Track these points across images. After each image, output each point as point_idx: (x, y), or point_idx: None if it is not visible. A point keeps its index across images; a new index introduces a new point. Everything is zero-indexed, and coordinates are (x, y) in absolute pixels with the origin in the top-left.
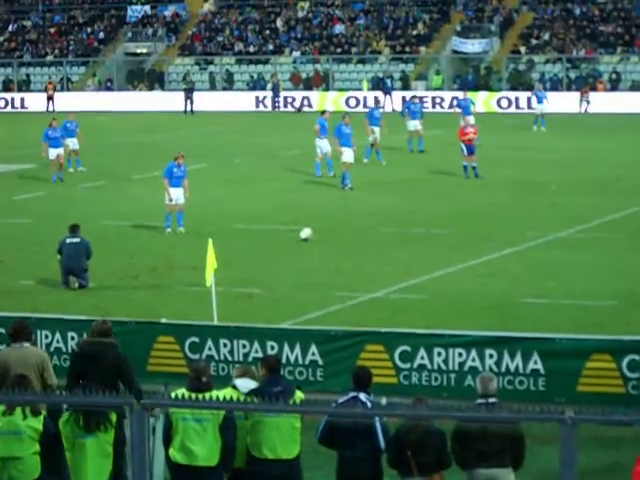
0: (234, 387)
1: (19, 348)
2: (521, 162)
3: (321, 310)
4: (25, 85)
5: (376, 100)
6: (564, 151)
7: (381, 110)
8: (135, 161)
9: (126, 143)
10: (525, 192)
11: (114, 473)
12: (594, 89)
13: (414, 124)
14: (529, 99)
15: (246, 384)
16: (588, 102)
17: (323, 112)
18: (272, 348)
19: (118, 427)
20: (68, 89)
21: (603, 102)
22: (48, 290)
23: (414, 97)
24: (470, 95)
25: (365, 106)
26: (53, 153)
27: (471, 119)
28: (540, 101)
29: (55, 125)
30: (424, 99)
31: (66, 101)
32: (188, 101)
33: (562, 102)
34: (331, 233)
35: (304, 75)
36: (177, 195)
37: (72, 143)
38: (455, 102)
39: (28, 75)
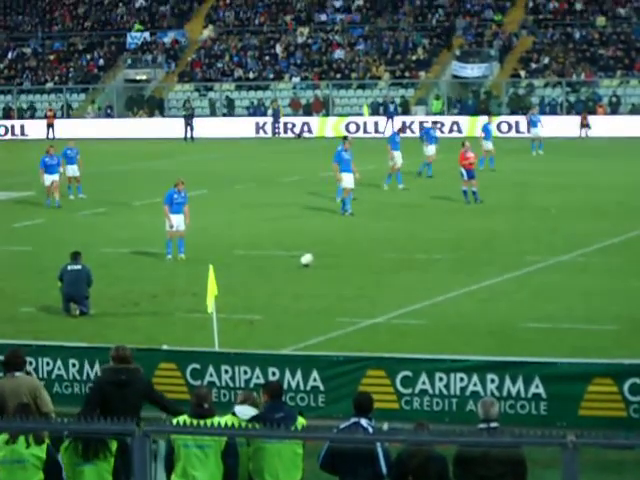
0: (234, 414)
1: (11, 378)
2: (521, 186)
3: (322, 336)
4: (30, 112)
5: (403, 125)
6: (564, 175)
7: (400, 135)
8: (135, 188)
9: (126, 170)
10: (525, 216)
11: None
12: (592, 112)
13: (431, 149)
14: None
15: (245, 411)
16: (589, 127)
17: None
18: (273, 374)
19: (125, 455)
20: (68, 116)
21: (603, 126)
22: (49, 317)
23: (434, 122)
24: (478, 120)
25: (365, 132)
26: (48, 179)
27: (489, 144)
28: (534, 125)
29: (52, 152)
30: (441, 124)
31: (66, 128)
32: (188, 127)
33: (562, 126)
34: (332, 259)
35: (304, 101)
36: (178, 222)
37: (72, 170)
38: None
39: (32, 103)
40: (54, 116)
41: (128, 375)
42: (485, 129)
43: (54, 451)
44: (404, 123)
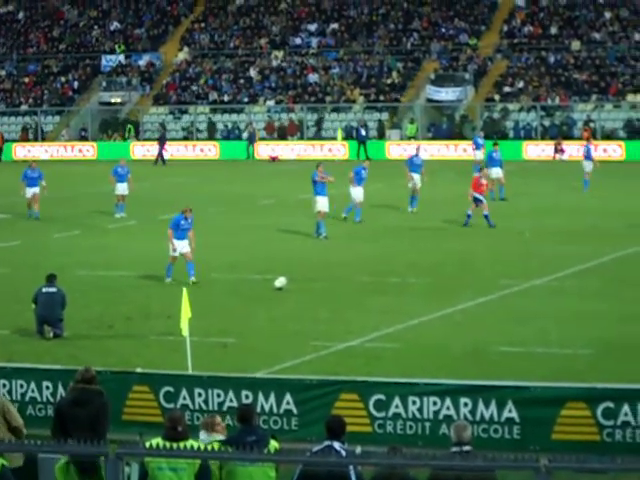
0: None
1: None
2: (496, 210)
3: (296, 359)
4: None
5: (417, 148)
6: (538, 199)
7: (422, 158)
8: (110, 211)
9: (100, 193)
10: (499, 240)
11: None
12: (568, 137)
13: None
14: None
15: (205, 438)
16: (563, 152)
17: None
18: (247, 397)
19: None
20: (42, 139)
21: (577, 150)
22: (23, 340)
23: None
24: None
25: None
26: (29, 192)
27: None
28: (478, 148)
29: (35, 166)
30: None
31: (40, 150)
32: (159, 151)
33: (536, 150)
34: (306, 282)
35: (278, 124)
36: (181, 246)
37: (122, 188)
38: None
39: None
40: (2, 139)
41: (87, 396)
42: (490, 157)
43: (9, 471)
44: (418, 147)
